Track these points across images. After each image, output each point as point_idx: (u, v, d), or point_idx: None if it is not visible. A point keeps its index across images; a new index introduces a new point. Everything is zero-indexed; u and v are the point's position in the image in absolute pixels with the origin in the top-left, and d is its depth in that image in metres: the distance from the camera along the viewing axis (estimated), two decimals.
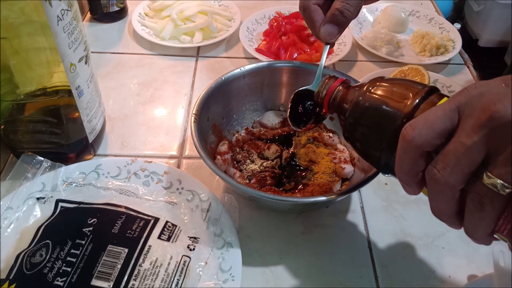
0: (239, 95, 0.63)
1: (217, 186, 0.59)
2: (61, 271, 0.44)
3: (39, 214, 0.51)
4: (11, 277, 0.44)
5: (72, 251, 0.45)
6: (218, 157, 0.58)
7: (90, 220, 0.48)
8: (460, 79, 0.80)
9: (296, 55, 0.80)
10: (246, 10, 0.92)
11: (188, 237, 0.50)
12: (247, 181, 0.57)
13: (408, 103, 0.37)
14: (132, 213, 0.49)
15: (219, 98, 0.59)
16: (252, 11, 0.91)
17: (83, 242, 0.46)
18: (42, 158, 0.55)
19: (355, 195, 0.59)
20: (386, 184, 0.61)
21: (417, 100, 0.37)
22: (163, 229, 0.48)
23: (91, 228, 0.47)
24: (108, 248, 0.45)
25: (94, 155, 0.62)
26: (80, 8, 0.86)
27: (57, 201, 0.51)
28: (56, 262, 0.45)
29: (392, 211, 0.58)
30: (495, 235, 0.33)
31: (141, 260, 0.45)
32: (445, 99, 0.37)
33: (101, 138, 0.63)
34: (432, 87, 0.39)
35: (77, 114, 0.55)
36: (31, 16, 0.46)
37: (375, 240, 0.54)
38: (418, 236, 0.55)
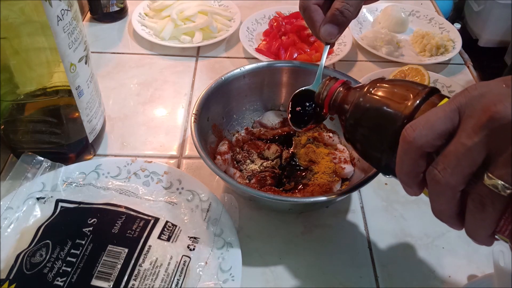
0: (239, 95, 0.63)
1: (217, 186, 0.59)
2: (61, 271, 0.44)
3: (39, 214, 0.51)
4: (11, 277, 0.44)
5: (72, 251, 0.45)
6: (218, 157, 0.58)
7: (90, 220, 0.48)
8: (460, 79, 0.80)
9: (296, 55, 0.80)
10: (246, 10, 0.92)
11: (188, 237, 0.50)
12: (247, 181, 0.57)
13: (409, 104, 0.37)
14: (132, 213, 0.49)
15: (219, 98, 0.59)
16: (252, 11, 0.91)
17: (83, 242, 0.46)
18: (42, 158, 0.55)
19: (355, 195, 0.59)
20: (386, 184, 0.61)
21: (417, 101, 0.37)
22: (163, 229, 0.48)
23: (91, 228, 0.47)
24: (108, 248, 0.45)
25: (94, 155, 0.62)
26: (80, 8, 0.86)
27: (57, 201, 0.51)
28: (56, 262, 0.45)
29: (392, 211, 0.58)
30: (496, 236, 0.33)
31: (141, 260, 0.45)
32: (445, 100, 0.37)
33: (101, 138, 0.63)
34: (433, 88, 0.39)
35: (77, 114, 0.55)
36: (31, 16, 0.46)
37: (375, 240, 0.54)
38: (418, 236, 0.55)
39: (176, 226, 0.50)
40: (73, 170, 0.56)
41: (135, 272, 0.44)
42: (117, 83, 0.75)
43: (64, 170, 0.56)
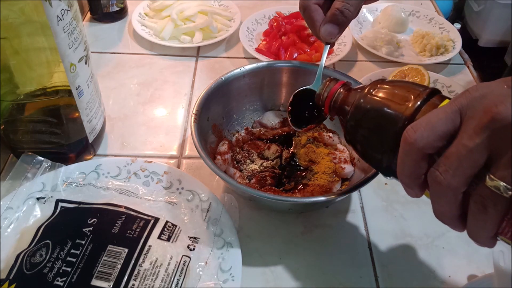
0: (239, 95, 0.63)
1: (217, 186, 0.59)
2: (61, 271, 0.44)
3: (39, 214, 0.51)
4: (11, 277, 0.44)
5: (72, 251, 0.45)
6: (218, 157, 0.58)
7: (90, 220, 0.48)
8: (460, 79, 0.80)
9: (296, 55, 0.80)
10: (246, 10, 0.92)
11: (188, 237, 0.50)
12: (247, 181, 0.57)
13: (410, 105, 0.37)
14: (132, 213, 0.49)
15: (219, 98, 0.59)
16: (252, 11, 0.91)
17: (83, 242, 0.46)
18: (42, 158, 0.55)
19: (355, 195, 0.59)
20: (386, 184, 0.61)
21: (418, 102, 0.37)
22: (163, 229, 0.48)
23: (91, 228, 0.47)
24: (108, 248, 0.45)
25: (94, 155, 0.62)
26: (80, 8, 0.86)
27: (57, 201, 0.51)
28: (56, 262, 0.45)
29: (392, 211, 0.58)
30: (498, 238, 0.33)
31: (141, 260, 0.45)
32: (446, 101, 0.37)
33: (101, 138, 0.63)
34: (434, 89, 0.39)
35: (77, 114, 0.55)
36: (31, 16, 0.46)
37: (375, 240, 0.54)
38: (418, 236, 0.55)
39: (176, 226, 0.50)
40: (73, 170, 0.56)
41: (135, 272, 0.44)
42: (117, 83, 0.75)
43: (64, 170, 0.56)
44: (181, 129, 0.68)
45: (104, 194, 0.54)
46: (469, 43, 2.08)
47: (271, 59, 0.78)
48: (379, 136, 0.39)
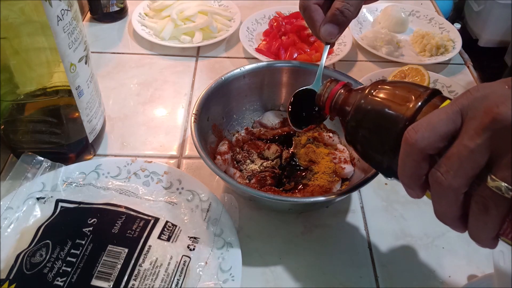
0: (239, 95, 0.63)
1: (217, 186, 0.59)
2: (61, 271, 0.44)
3: (39, 214, 0.51)
4: (11, 277, 0.44)
5: (72, 251, 0.45)
6: (218, 157, 0.58)
7: (90, 220, 0.48)
8: (460, 79, 0.80)
9: (296, 55, 0.80)
10: (246, 10, 0.92)
11: (188, 237, 0.50)
12: (247, 181, 0.57)
13: (410, 106, 0.37)
14: (132, 213, 0.49)
15: (219, 98, 0.59)
16: (252, 11, 0.91)
17: (83, 242, 0.46)
18: (42, 158, 0.55)
19: (355, 195, 0.59)
20: (386, 184, 0.61)
21: (419, 103, 0.37)
22: (163, 229, 0.48)
23: (91, 228, 0.47)
24: (108, 248, 0.45)
25: (94, 155, 0.62)
26: (80, 8, 0.86)
27: (57, 201, 0.51)
28: (56, 262, 0.45)
29: (392, 211, 0.58)
30: (500, 239, 0.33)
31: (141, 260, 0.45)
32: (447, 101, 0.37)
33: (101, 138, 0.63)
34: (434, 89, 0.39)
35: (77, 114, 0.55)
36: (31, 16, 0.46)
37: (375, 240, 0.54)
38: (418, 236, 0.55)
39: (176, 226, 0.50)
40: (73, 170, 0.56)
41: (135, 272, 0.44)
42: (117, 83, 0.75)
43: (64, 170, 0.56)
44: (181, 129, 0.68)
45: (104, 194, 0.54)
46: (469, 43, 2.08)
47: (271, 59, 0.78)
48: (380, 137, 0.39)
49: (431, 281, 0.51)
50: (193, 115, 0.54)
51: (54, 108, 0.55)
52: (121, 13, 0.90)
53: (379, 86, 0.41)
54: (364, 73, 0.76)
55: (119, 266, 0.44)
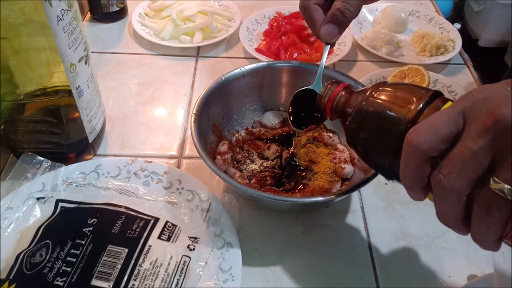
0: (239, 95, 0.63)
1: (217, 186, 0.59)
2: (61, 271, 0.44)
3: (39, 214, 0.51)
4: (11, 277, 0.44)
5: (72, 251, 0.45)
6: (218, 157, 0.58)
7: (90, 220, 0.48)
8: (460, 79, 0.80)
9: (296, 55, 0.80)
10: (246, 10, 0.92)
11: (188, 237, 0.50)
12: (247, 181, 0.57)
13: (412, 107, 0.37)
14: (132, 213, 0.49)
15: (219, 98, 0.59)
16: (252, 11, 0.91)
17: (83, 242, 0.46)
18: (42, 158, 0.55)
19: (355, 195, 0.59)
20: (386, 184, 0.61)
21: (421, 105, 0.37)
22: (163, 229, 0.48)
23: (91, 228, 0.47)
24: (108, 248, 0.45)
25: (94, 155, 0.62)
26: (80, 8, 0.86)
27: (57, 201, 0.51)
28: (56, 262, 0.45)
29: (392, 211, 0.58)
30: (502, 241, 0.33)
31: (141, 260, 0.45)
32: (449, 103, 0.36)
33: (101, 138, 0.63)
34: (436, 91, 0.38)
35: (77, 114, 0.55)
36: (31, 16, 0.46)
37: (375, 240, 0.54)
38: (418, 236, 0.55)
39: (176, 226, 0.50)
40: (73, 170, 0.56)
41: (135, 272, 0.44)
42: (117, 83, 0.75)
43: (64, 170, 0.56)
44: (181, 129, 0.68)
45: (104, 194, 0.54)
46: (469, 43, 2.08)
47: (271, 59, 0.78)
48: (381, 139, 0.39)
49: (431, 281, 0.51)
50: (193, 115, 0.54)
51: (54, 108, 0.55)
52: (121, 13, 0.90)
53: (380, 88, 0.41)
54: (364, 73, 0.76)
55: (119, 266, 0.44)
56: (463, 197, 0.32)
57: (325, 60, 0.54)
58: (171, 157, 0.63)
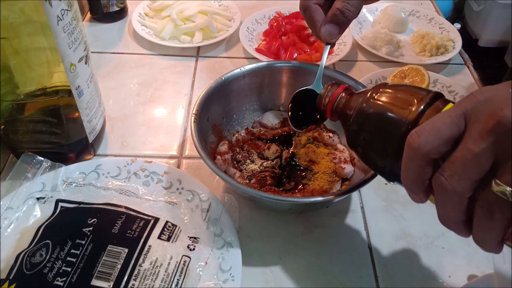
0: (239, 95, 0.63)
1: (217, 186, 0.59)
2: (61, 271, 0.44)
3: (39, 214, 0.51)
4: (11, 277, 0.44)
5: (72, 251, 0.45)
6: (218, 157, 0.58)
7: (90, 220, 0.48)
8: (460, 79, 0.80)
9: (296, 55, 0.80)
10: (246, 10, 0.92)
11: (188, 237, 0.50)
12: (247, 181, 0.57)
13: (413, 109, 0.37)
14: (132, 213, 0.49)
15: (219, 98, 0.59)
16: (252, 11, 0.91)
17: (83, 242, 0.46)
18: (42, 158, 0.55)
19: (355, 195, 0.59)
20: (386, 184, 0.61)
21: (422, 107, 0.37)
22: (163, 229, 0.48)
23: (91, 228, 0.47)
24: (108, 248, 0.45)
25: (94, 155, 0.62)
26: (80, 8, 0.86)
27: (57, 201, 0.51)
28: (56, 262, 0.45)
29: (392, 211, 0.58)
30: (504, 243, 0.33)
31: (141, 260, 0.45)
32: (450, 105, 0.36)
33: (101, 138, 0.63)
34: (437, 92, 0.38)
35: (77, 114, 0.55)
36: (31, 16, 0.46)
37: (375, 240, 0.54)
38: (418, 236, 0.55)
39: (176, 226, 0.50)
40: (73, 170, 0.56)
41: (135, 272, 0.44)
42: (117, 83, 0.75)
43: (64, 170, 0.56)
44: (181, 129, 0.68)
45: (104, 194, 0.54)
46: (469, 43, 2.08)
47: (271, 59, 0.78)
48: (382, 141, 0.39)
49: (431, 281, 0.51)
50: (193, 115, 0.54)
51: (54, 108, 0.55)
52: (121, 13, 0.90)
53: (380, 90, 0.41)
54: (364, 73, 0.76)
55: (119, 266, 0.44)
56: (465, 200, 0.32)
57: (325, 60, 0.53)
58: (171, 157, 0.63)
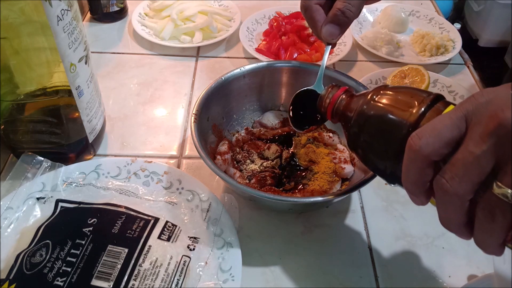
0: (239, 95, 0.63)
1: (217, 186, 0.59)
2: (61, 271, 0.44)
3: (39, 214, 0.51)
4: (11, 277, 0.44)
5: (72, 251, 0.45)
6: (218, 157, 0.58)
7: (90, 220, 0.48)
8: (460, 79, 0.80)
9: (296, 55, 0.80)
10: (246, 10, 0.92)
11: (188, 237, 0.50)
12: (247, 181, 0.57)
13: (414, 111, 0.37)
14: (132, 213, 0.49)
15: (219, 98, 0.59)
16: (252, 11, 0.91)
17: (83, 242, 0.46)
18: (42, 158, 0.55)
19: (355, 195, 0.59)
20: (386, 184, 0.61)
21: (422, 108, 0.37)
22: (163, 229, 0.48)
23: (91, 228, 0.47)
24: (108, 248, 0.45)
25: (94, 155, 0.62)
26: (80, 8, 0.86)
27: (57, 201, 0.51)
28: (56, 262, 0.45)
29: (392, 211, 0.58)
30: (506, 246, 0.33)
31: (141, 260, 0.45)
32: (451, 106, 0.36)
33: (101, 138, 0.63)
34: (438, 94, 0.38)
35: (77, 114, 0.55)
36: (31, 16, 0.46)
37: (375, 240, 0.54)
38: (418, 236, 0.55)
39: (176, 226, 0.50)
40: (73, 170, 0.56)
41: (135, 272, 0.44)
42: (117, 83, 0.75)
43: (64, 170, 0.56)
44: (181, 129, 0.68)
45: (104, 194, 0.54)
46: (469, 43, 2.07)
47: (271, 59, 0.78)
48: (383, 143, 0.39)
49: (431, 281, 0.51)
50: (193, 115, 0.54)
51: (54, 108, 0.55)
52: (121, 13, 0.90)
53: (381, 92, 0.41)
54: (364, 73, 0.76)
55: (119, 266, 0.44)
56: (466, 202, 0.32)
57: (326, 60, 0.53)
58: (171, 157, 0.63)
